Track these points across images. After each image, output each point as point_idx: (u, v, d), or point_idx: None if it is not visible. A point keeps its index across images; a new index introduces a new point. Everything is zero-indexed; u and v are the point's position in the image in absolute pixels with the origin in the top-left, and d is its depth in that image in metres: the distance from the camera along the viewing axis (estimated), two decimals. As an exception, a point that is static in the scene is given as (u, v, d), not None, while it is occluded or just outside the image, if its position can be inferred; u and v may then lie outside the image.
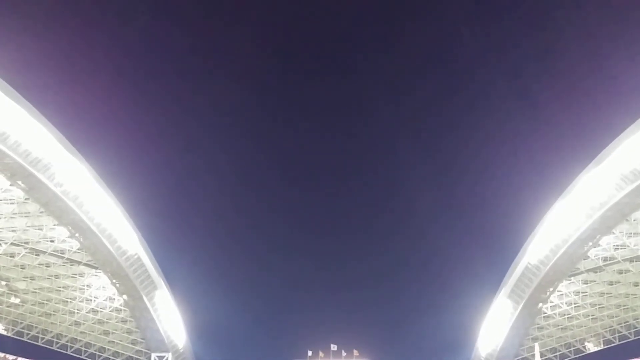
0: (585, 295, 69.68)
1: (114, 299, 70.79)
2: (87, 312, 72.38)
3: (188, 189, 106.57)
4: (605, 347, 75.41)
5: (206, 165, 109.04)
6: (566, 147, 79.26)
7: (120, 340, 76.97)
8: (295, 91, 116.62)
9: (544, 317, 72.42)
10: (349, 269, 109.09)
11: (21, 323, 73.28)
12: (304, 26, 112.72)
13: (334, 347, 78.09)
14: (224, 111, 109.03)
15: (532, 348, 73.46)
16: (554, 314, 72.20)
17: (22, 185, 51.70)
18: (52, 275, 66.94)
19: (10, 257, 62.52)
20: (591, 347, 76.41)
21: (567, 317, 72.84)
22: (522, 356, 76.38)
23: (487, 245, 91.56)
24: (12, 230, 58.65)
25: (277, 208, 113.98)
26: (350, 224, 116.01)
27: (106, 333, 76.01)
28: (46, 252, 62.07)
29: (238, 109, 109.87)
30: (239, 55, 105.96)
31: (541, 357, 75.43)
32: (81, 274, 67.53)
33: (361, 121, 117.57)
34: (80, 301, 71.05)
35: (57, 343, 75.34)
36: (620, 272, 65.37)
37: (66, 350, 76.09)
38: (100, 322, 74.09)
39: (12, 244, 59.73)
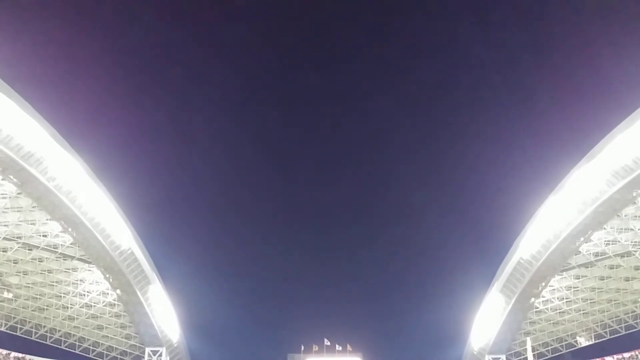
0: (577, 290, 70.12)
1: (108, 293, 70.78)
2: (80, 307, 72.39)
3: (182, 184, 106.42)
4: (597, 341, 76.01)
5: (200, 161, 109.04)
6: (558, 143, 79.67)
7: (114, 335, 77.00)
8: (289, 86, 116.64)
9: (536, 311, 72.89)
10: (342, 265, 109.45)
11: (14, 318, 73.21)
12: (298, 21, 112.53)
13: (327, 342, 78.53)
14: (218, 105, 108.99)
15: (525, 342, 73.81)
16: (546, 308, 72.68)
17: (14, 179, 51.57)
18: (45, 270, 66.85)
19: (3, 251, 62.45)
20: (582, 342, 76.95)
21: (559, 312, 73.33)
22: (514, 350, 76.90)
23: (480, 241, 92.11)
24: (5, 225, 58.53)
25: (271, 203, 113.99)
26: (343, 220, 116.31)
27: (100, 328, 76.03)
28: (39, 246, 62.01)
29: (231, 104, 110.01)
30: (232, 47, 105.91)
31: (533, 351, 75.94)
32: (74, 269, 67.48)
33: (355, 117, 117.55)
34: (73, 296, 71.04)
35: (50, 338, 75.40)
36: (611, 267, 65.79)
37: (60, 345, 76.14)
38: (93, 316, 74.09)
39: (4, 238, 59.64)
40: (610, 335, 74.95)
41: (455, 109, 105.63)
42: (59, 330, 75.48)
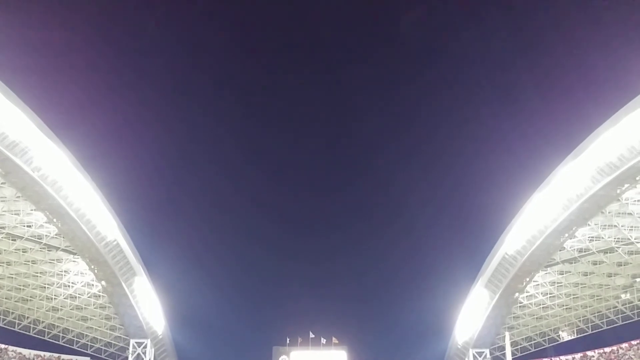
0: (561, 285, 70.93)
1: (93, 285, 70.37)
2: (65, 298, 71.92)
3: (168, 176, 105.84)
4: (579, 336, 77.13)
5: (189, 154, 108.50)
6: (545, 141, 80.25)
7: (99, 327, 76.65)
8: (282, 88, 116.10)
9: (519, 306, 73.64)
10: (329, 262, 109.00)
11: (-3, 308, 72.63)
12: (290, 26, 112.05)
13: (312, 335, 78.85)
14: (209, 101, 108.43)
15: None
16: (530, 303, 73.47)
17: (-2, 169, 50.97)
18: (29, 261, 66.24)
19: (-14, 242, 61.79)
20: (565, 336, 78.05)
21: (543, 307, 74.17)
22: (498, 344, 77.68)
23: (466, 237, 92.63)
24: (-12, 215, 57.92)
25: (260, 201, 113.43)
26: (330, 218, 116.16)
27: (84, 319, 75.61)
28: (23, 237, 61.36)
29: (224, 101, 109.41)
30: (230, 46, 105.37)
31: (516, 345, 76.97)
32: (59, 260, 66.97)
33: (345, 120, 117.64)
34: (58, 287, 70.52)
35: (34, 329, 74.89)
36: (594, 263, 66.59)
37: (44, 336, 75.67)
38: (78, 308, 73.63)
39: (-12, 228, 59.01)
40: (592, 330, 76.07)
41: (445, 112, 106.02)
42: (43, 322, 74.96)
